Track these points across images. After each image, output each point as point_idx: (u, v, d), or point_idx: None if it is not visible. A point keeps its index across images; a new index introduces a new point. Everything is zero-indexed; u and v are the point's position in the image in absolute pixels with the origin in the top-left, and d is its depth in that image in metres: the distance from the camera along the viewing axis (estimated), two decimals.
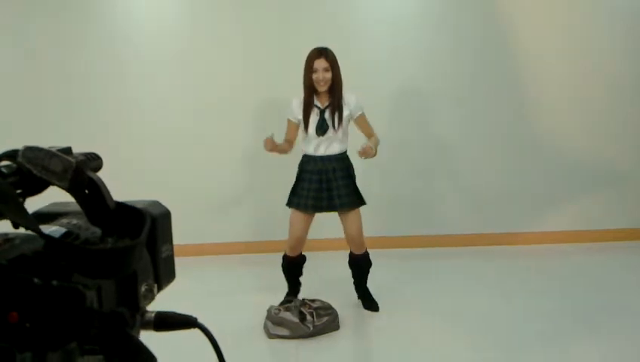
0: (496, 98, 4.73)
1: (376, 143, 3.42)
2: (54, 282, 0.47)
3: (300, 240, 3.53)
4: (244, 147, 4.78)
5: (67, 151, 0.60)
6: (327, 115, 3.38)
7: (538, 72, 4.70)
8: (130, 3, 4.67)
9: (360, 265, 3.62)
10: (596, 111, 4.75)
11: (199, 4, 4.68)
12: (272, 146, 3.32)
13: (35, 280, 0.46)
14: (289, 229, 3.53)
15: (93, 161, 0.64)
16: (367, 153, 3.26)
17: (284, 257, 3.63)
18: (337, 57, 3.38)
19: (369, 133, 3.50)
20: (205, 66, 4.70)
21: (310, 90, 3.37)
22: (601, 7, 4.66)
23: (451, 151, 4.81)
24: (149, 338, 0.63)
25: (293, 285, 3.66)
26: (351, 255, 3.62)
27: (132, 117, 4.75)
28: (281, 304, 3.45)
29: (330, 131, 3.38)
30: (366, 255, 3.61)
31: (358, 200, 3.47)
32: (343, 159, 3.47)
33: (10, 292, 0.46)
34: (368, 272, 3.65)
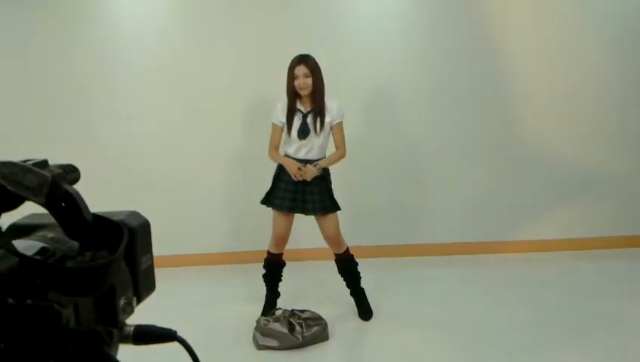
0: (483, 108, 4.74)
1: (332, 161, 3.53)
2: (29, 301, 0.46)
3: (283, 237, 3.60)
4: (229, 157, 4.77)
5: (43, 164, 0.59)
6: (309, 119, 3.46)
7: (525, 83, 4.72)
8: (118, 6, 4.65)
9: (345, 266, 3.64)
10: (582, 120, 4.77)
11: (188, 7, 4.66)
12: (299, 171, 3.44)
13: (10, 300, 0.45)
14: (272, 227, 3.61)
15: (71, 173, 0.63)
16: (306, 174, 3.42)
17: (267, 255, 3.67)
18: (319, 61, 3.45)
19: (338, 143, 3.56)
20: (192, 73, 4.69)
21: (293, 96, 3.46)
22: (592, 14, 4.69)
23: (437, 161, 4.81)
24: (127, 351, 0.62)
25: (272, 292, 3.67)
26: (335, 258, 3.65)
27: (119, 124, 4.72)
28: (268, 314, 3.43)
29: (312, 135, 3.46)
30: (348, 254, 3.63)
31: (330, 206, 3.53)
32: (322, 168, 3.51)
33: None
34: (357, 274, 3.65)
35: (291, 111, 3.48)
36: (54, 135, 4.64)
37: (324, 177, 3.53)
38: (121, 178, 4.68)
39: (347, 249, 3.64)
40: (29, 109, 4.69)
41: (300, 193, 3.49)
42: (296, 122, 3.48)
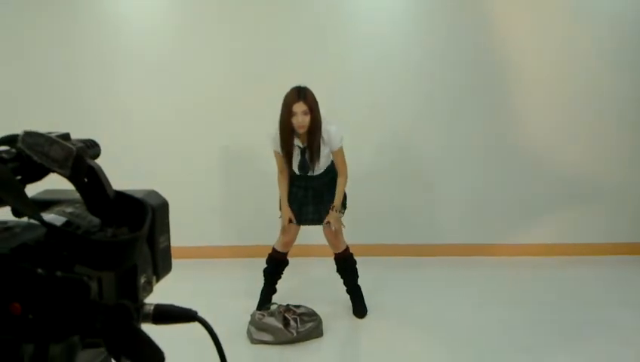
0: (479, 111, 4.71)
1: (341, 190, 3.46)
2: (58, 273, 0.44)
3: (290, 242, 3.60)
4: (232, 150, 4.74)
5: (66, 137, 0.58)
6: (307, 155, 3.36)
7: (526, 89, 4.68)
8: (119, 3, 4.61)
9: (343, 264, 3.63)
10: (581, 126, 4.74)
11: (187, 5, 4.64)
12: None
13: (39, 270, 0.44)
14: (280, 229, 3.58)
15: (92, 148, 0.62)
16: (335, 224, 3.43)
17: (272, 251, 3.63)
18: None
19: (340, 167, 3.45)
20: (191, 68, 4.65)
21: (289, 131, 3.26)
22: (594, 21, 4.65)
23: (432, 163, 4.78)
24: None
25: (270, 288, 3.65)
26: (334, 257, 3.64)
27: (118, 118, 4.67)
28: (263, 308, 3.41)
29: (313, 169, 3.41)
30: (347, 253, 3.62)
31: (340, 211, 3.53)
32: (328, 172, 3.48)
33: (12, 282, 0.43)
34: (355, 272, 3.65)
35: (289, 146, 3.30)
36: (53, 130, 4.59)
37: (335, 182, 3.48)
38: (125, 168, 4.59)
39: (347, 248, 3.63)
40: (27, 105, 4.64)
41: (312, 204, 3.48)
42: (296, 157, 3.35)
